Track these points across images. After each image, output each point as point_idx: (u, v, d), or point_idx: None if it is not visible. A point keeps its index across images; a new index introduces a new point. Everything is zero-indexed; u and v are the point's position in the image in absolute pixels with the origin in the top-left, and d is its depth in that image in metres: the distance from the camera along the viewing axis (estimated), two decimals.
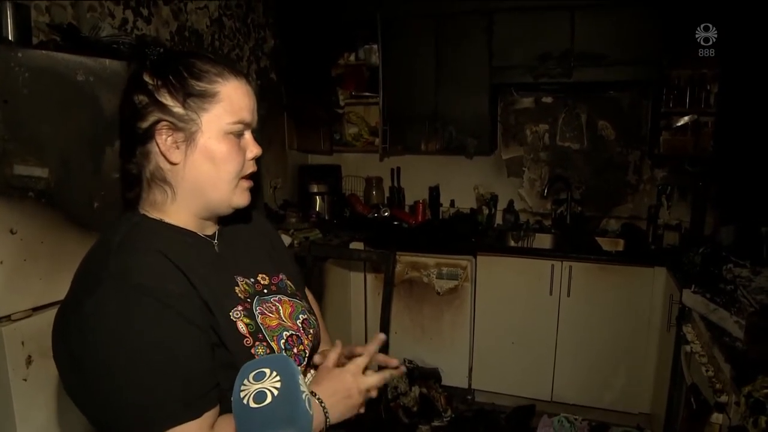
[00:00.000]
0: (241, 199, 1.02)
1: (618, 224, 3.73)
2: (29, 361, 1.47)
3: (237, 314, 0.97)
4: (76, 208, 1.57)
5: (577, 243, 3.42)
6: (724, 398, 1.72)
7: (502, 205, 3.91)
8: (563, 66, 3.30)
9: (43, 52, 1.53)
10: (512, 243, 3.70)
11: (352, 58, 3.88)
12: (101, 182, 1.63)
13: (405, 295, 3.53)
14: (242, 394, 0.68)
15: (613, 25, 3.23)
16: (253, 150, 1.01)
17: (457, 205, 4.04)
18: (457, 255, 3.41)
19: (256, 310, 1.01)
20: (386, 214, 3.92)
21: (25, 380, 1.46)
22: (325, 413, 0.98)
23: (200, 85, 0.94)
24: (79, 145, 1.58)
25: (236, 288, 1.01)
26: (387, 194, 4.18)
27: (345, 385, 1.03)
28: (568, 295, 3.19)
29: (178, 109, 0.93)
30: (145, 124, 0.94)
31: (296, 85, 3.84)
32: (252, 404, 0.66)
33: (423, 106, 3.67)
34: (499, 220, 3.90)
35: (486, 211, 3.89)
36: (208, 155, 0.95)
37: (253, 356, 0.95)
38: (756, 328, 1.57)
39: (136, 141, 0.95)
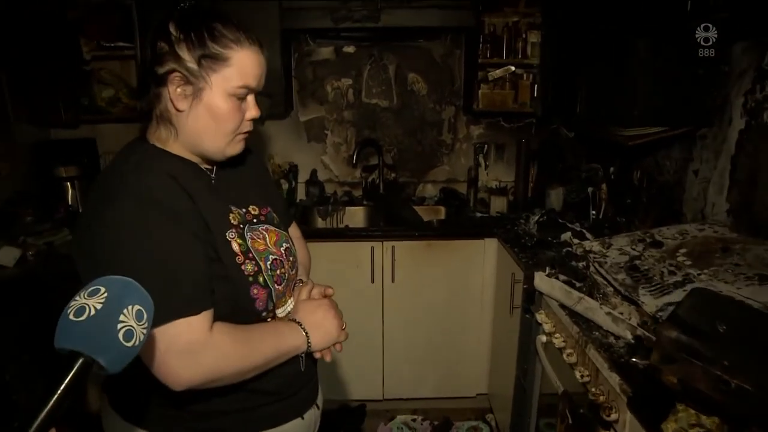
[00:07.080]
0: (235, 149, 1.18)
1: (436, 189, 3.42)
2: None
3: (231, 235, 1.15)
4: None
5: (395, 215, 3.01)
6: (614, 416, 1.41)
7: (303, 176, 3.38)
8: (369, 7, 2.77)
9: None
10: (320, 221, 3.20)
11: None
12: None
13: None
14: (70, 303, 0.64)
15: None
16: (252, 112, 1.16)
17: None
18: None
19: (246, 235, 1.18)
20: None
21: None
22: (307, 337, 1.21)
23: (216, 48, 1.06)
24: None
25: (230, 215, 1.18)
26: None
27: (322, 314, 1.27)
28: (393, 281, 2.77)
29: (191, 65, 1.05)
30: (161, 70, 1.06)
31: (14, 33, 2.79)
32: (71, 316, 0.63)
33: None
34: (301, 194, 3.37)
35: (285, 185, 3.31)
36: (210, 111, 1.10)
37: (243, 272, 1.13)
38: (667, 343, 1.21)
39: (151, 82, 1.08)
